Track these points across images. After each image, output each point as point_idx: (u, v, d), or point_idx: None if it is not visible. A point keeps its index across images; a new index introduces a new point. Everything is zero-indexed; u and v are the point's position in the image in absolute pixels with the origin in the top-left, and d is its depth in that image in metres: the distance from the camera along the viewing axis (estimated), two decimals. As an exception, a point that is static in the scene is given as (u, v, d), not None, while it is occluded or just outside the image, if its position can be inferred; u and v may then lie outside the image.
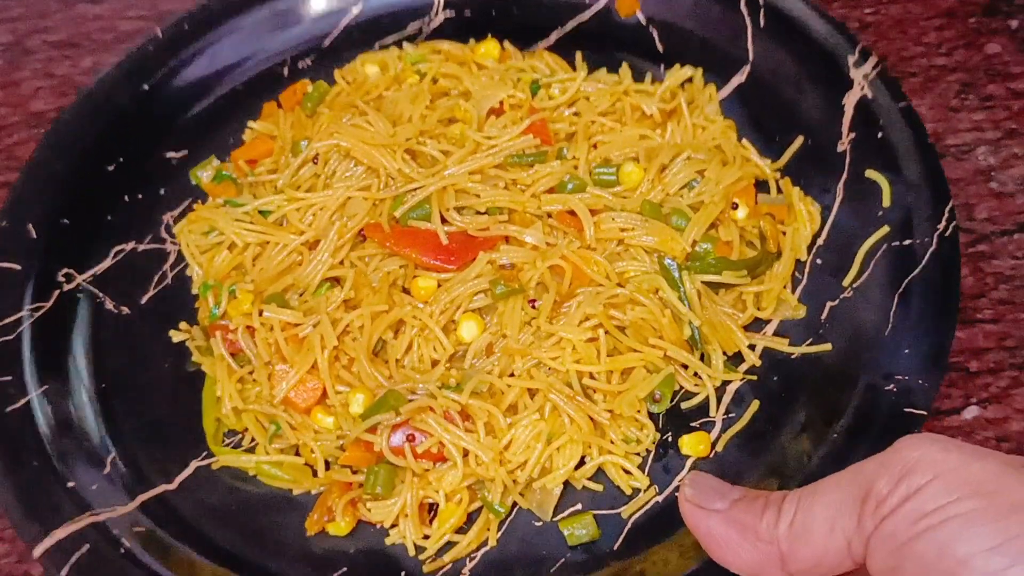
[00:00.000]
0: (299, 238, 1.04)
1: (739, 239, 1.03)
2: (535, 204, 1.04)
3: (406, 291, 1.03)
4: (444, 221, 1.03)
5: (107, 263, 1.11)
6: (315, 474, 0.96)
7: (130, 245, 1.12)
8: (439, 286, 1.01)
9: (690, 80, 1.18)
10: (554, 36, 1.26)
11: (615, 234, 1.02)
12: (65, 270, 1.09)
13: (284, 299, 1.02)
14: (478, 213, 1.04)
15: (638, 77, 1.18)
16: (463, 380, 0.95)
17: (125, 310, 1.08)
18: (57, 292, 1.07)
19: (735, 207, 1.04)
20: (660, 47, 1.22)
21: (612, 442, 0.95)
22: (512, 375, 0.97)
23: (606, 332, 0.96)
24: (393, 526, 0.93)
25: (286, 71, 1.25)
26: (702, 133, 1.11)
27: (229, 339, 1.01)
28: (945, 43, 1.29)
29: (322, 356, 0.97)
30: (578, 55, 1.22)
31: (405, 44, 1.25)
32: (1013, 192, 1.17)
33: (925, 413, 0.88)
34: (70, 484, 0.94)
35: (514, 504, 0.94)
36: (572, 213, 1.03)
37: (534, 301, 0.99)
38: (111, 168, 1.15)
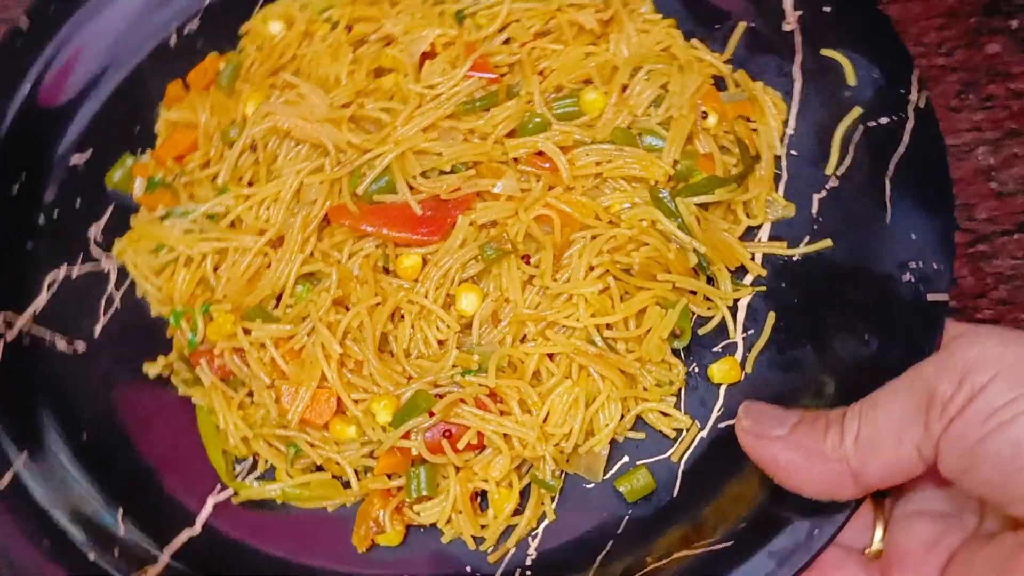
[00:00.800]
0: (261, 239, 0.97)
1: (717, 148, 1.00)
2: (500, 151, 0.98)
3: (386, 270, 0.97)
4: (411, 189, 0.96)
5: (44, 297, 1.02)
6: (346, 485, 0.92)
7: (63, 272, 1.03)
8: (425, 262, 0.95)
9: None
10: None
11: (592, 169, 0.97)
12: (2, 315, 0.99)
13: (265, 311, 0.95)
14: (442, 173, 0.98)
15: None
16: (484, 360, 0.91)
17: (80, 346, 1.00)
18: (1, 343, 0.97)
19: (704, 116, 1.00)
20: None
21: (645, 389, 0.92)
22: (524, 339, 0.93)
23: (615, 279, 0.93)
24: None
25: (174, 41, 1.14)
26: (646, 38, 1.06)
27: (217, 364, 0.94)
28: (945, 43, 1.26)
29: (330, 368, 0.91)
30: (488, -31, 1.14)
31: (300, -10, 1.15)
32: (1013, 192, 1.16)
33: (947, 297, 0.88)
34: (90, 557, 0.88)
35: (562, 471, 0.91)
36: (540, 153, 0.98)
37: (527, 257, 0.95)
38: (16, 188, 1.04)
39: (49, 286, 1.02)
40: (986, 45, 1.25)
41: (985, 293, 1.11)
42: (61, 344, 0.99)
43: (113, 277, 1.03)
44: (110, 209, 1.06)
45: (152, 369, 0.98)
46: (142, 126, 1.10)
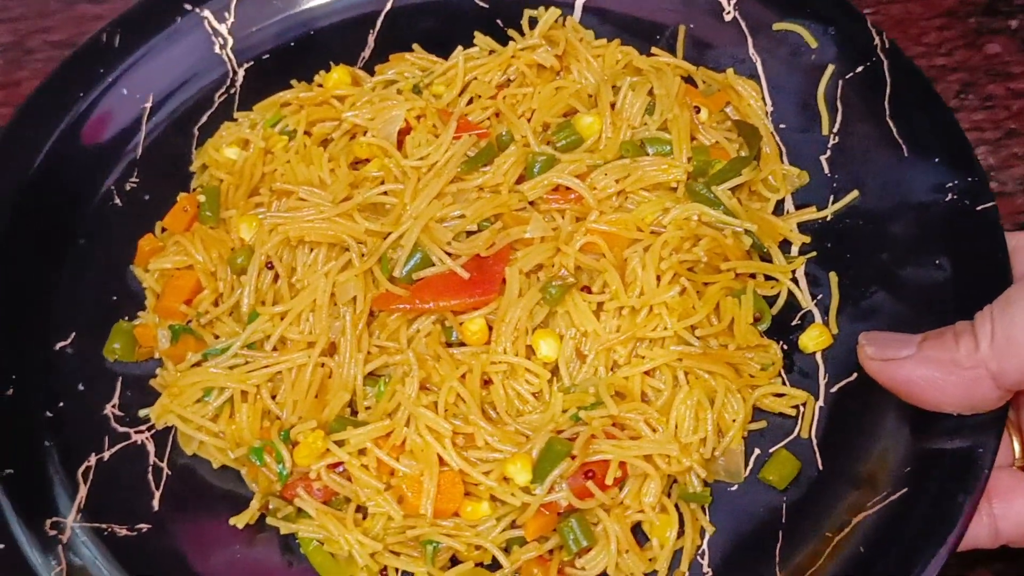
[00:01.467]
0: (313, 352, 0.91)
1: (722, 136, 1.01)
2: (518, 198, 0.96)
3: (449, 345, 0.93)
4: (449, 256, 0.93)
5: (83, 491, 0.92)
6: (494, 567, 0.86)
7: (92, 459, 0.93)
8: (488, 323, 0.92)
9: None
10: (371, 38, 1.15)
11: (613, 188, 0.96)
12: (49, 521, 0.89)
13: (349, 419, 0.89)
14: (469, 233, 0.95)
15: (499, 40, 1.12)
16: (599, 396, 0.87)
17: (143, 527, 0.90)
18: (60, 548, 0.87)
19: (697, 111, 1.01)
20: (482, 3, 1.16)
21: (752, 376, 0.91)
22: (614, 365, 0.91)
23: (687, 279, 0.92)
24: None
25: (118, 200, 1.07)
26: (604, 61, 1.07)
27: (316, 488, 0.87)
28: (945, 43, 1.28)
29: (447, 449, 0.85)
30: (416, 47, 1.13)
31: (237, 115, 1.11)
32: (1013, 192, 1.17)
33: (994, 202, 0.91)
34: None
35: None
36: (556, 189, 0.97)
37: (587, 288, 0.93)
38: (9, 392, 0.95)
39: (84, 477, 0.92)
40: (986, 45, 1.28)
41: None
42: (121, 531, 0.90)
43: (151, 448, 0.94)
44: (119, 383, 0.98)
45: (241, 520, 0.89)
46: (119, 295, 1.02)
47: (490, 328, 0.92)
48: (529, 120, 1.02)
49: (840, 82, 1.01)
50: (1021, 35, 1.28)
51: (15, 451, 0.92)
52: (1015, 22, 1.29)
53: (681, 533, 0.86)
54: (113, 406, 0.97)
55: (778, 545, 0.84)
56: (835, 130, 1.00)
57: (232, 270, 0.97)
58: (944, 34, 1.29)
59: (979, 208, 0.91)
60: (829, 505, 0.85)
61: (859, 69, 1.00)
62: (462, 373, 0.89)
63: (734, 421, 0.89)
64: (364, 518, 0.88)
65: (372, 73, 1.11)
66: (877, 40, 1.00)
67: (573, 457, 0.84)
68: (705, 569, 0.85)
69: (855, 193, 0.98)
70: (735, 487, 0.88)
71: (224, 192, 1.03)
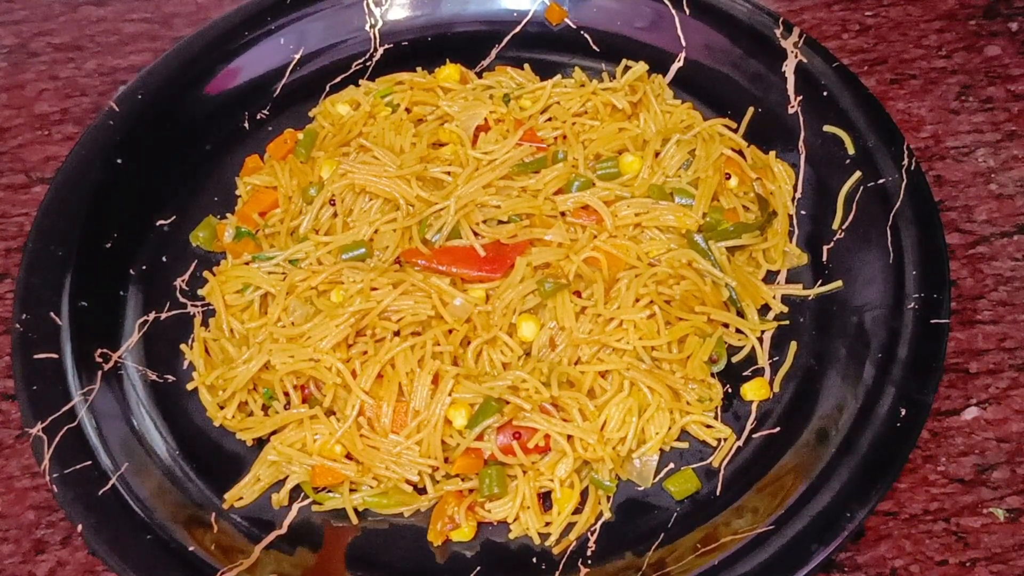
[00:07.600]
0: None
1: (739, 205, 1.15)
2: (551, 206, 1.12)
3: (453, 307, 1.09)
4: (476, 235, 1.10)
5: (135, 336, 1.12)
6: (421, 492, 1.02)
7: (152, 316, 1.14)
8: (487, 297, 1.08)
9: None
10: (494, 51, 1.34)
11: (632, 219, 1.11)
12: (100, 350, 1.09)
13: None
14: (500, 222, 1.12)
15: (591, 76, 1.29)
16: (550, 375, 1.02)
17: (170, 378, 1.10)
18: (100, 373, 1.07)
19: (728, 177, 1.15)
20: (595, 48, 1.32)
21: (688, 404, 1.04)
22: (578, 361, 1.05)
23: (659, 308, 1.06)
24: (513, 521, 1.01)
25: (247, 124, 1.28)
26: (670, 117, 1.22)
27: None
28: (945, 45, 1.32)
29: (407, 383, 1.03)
30: (526, 67, 1.31)
31: (361, 82, 1.31)
32: (1013, 194, 1.21)
33: (948, 321, 1.02)
34: (191, 548, 0.96)
35: (616, 476, 1.02)
36: (585, 208, 1.12)
37: (578, 292, 1.08)
38: (108, 245, 1.16)
39: (140, 327, 1.13)
40: (986, 47, 1.32)
41: (984, 295, 1.15)
42: (152, 376, 1.09)
43: (199, 320, 1.14)
44: (193, 264, 1.18)
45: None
46: (220, 196, 1.23)
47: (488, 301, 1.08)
48: (585, 147, 1.18)
49: (861, 188, 1.13)
50: (1021, 37, 1.31)
51: (95, 290, 1.12)
52: (1015, 24, 1.32)
53: (581, 511, 1.00)
54: (183, 280, 1.17)
55: (656, 543, 0.98)
56: (844, 227, 1.13)
57: (303, 199, 1.16)
58: (944, 36, 1.33)
59: (932, 322, 1.02)
60: (711, 524, 0.98)
61: (880, 181, 1.12)
62: (448, 329, 1.06)
63: (656, 434, 1.02)
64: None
65: (481, 77, 1.30)
66: (907, 162, 1.12)
67: (503, 415, 0.99)
68: (591, 544, 0.99)
69: (839, 283, 1.10)
70: (641, 488, 1.02)
71: (321, 137, 1.23)
